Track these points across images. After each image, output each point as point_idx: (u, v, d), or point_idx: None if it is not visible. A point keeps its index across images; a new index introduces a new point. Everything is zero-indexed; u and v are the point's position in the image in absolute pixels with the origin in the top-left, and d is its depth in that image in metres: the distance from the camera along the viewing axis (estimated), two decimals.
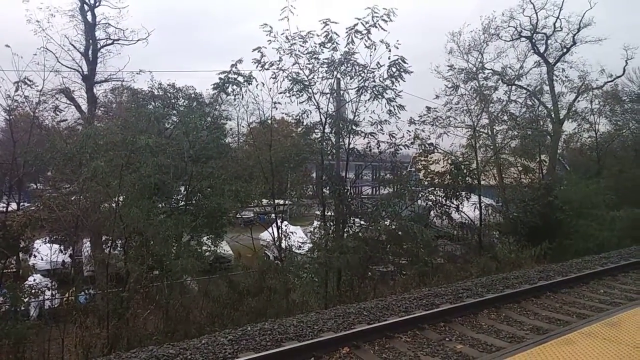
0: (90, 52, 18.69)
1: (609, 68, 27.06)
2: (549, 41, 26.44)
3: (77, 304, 10.87)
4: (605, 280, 10.85)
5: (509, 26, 26.28)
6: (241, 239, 16.40)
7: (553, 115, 25.91)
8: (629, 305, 6.59)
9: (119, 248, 11.35)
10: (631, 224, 19.74)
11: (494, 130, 22.39)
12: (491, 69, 25.12)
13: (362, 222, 14.75)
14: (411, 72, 13.31)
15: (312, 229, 15.17)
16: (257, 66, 12.92)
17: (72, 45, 18.31)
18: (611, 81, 27.51)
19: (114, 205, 11.47)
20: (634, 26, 51.14)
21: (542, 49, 26.48)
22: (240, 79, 13.16)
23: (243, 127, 24.35)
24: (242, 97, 13.61)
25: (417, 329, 7.23)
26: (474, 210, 18.47)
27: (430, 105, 19.25)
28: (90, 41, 18.69)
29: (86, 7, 18.69)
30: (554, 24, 26.04)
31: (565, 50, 26.39)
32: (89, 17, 18.75)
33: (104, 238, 12.46)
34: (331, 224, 14.17)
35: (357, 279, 13.28)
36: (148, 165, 12.28)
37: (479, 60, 25.46)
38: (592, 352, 4.65)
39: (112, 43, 19.41)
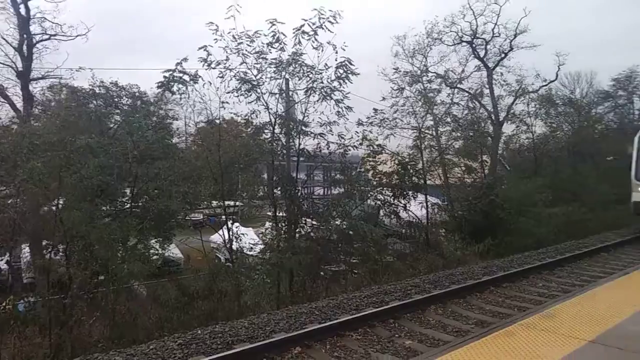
0: (24, 47, 17.65)
1: (543, 73, 28.72)
2: (488, 46, 27.70)
3: (16, 313, 10.27)
4: (543, 274, 11.48)
5: (450, 31, 27.30)
6: (191, 241, 16.08)
7: (493, 118, 27.15)
8: (564, 297, 7.00)
9: (60, 253, 10.83)
10: (566, 220, 21.01)
11: (439, 132, 23.15)
12: (435, 72, 26.03)
13: (314, 222, 14.85)
14: (358, 73, 13.59)
15: (263, 230, 15.08)
16: (203, 65, 12.76)
17: (4, 39, 17.25)
18: (545, 85, 29.21)
19: (53, 208, 10.92)
20: (565, 33, 54.57)
21: (482, 53, 27.72)
22: (186, 77, 12.93)
23: (190, 126, 23.91)
24: (189, 96, 13.39)
25: (368, 326, 7.37)
26: (421, 209, 19.01)
27: (378, 107, 19.70)
28: (25, 36, 17.65)
29: (19, 0, 17.64)
30: (493, 30, 27.32)
31: (503, 55, 27.76)
32: (22, 10, 17.72)
33: (44, 243, 11.85)
34: (283, 224, 14.16)
35: (309, 279, 13.34)
36: (89, 166, 11.78)
37: (423, 63, 26.28)
38: (530, 342, 4.92)
39: (48, 38, 18.36)
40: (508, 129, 29.46)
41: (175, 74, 12.76)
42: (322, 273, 14.31)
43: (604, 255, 13.76)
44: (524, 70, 29.64)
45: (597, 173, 26.50)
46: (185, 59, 12.81)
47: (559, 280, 10.89)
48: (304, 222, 14.61)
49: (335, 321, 7.28)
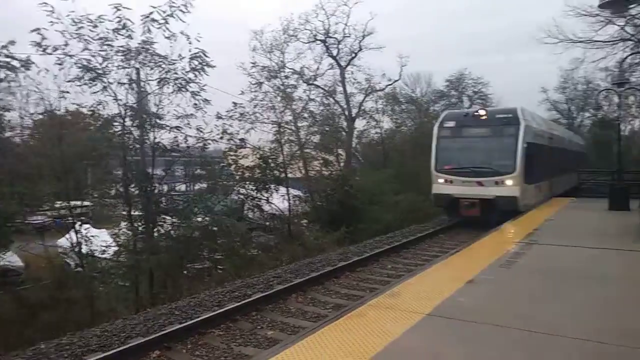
0: None
1: (389, 73, 31.45)
2: (340, 46, 29.52)
3: None
4: (392, 256, 12.64)
5: (305, 29, 28.38)
6: (33, 247, 14.33)
7: (346, 114, 28.97)
8: (407, 276, 7.84)
9: None
10: (411, 207, 23.31)
11: (298, 127, 23.97)
12: (292, 69, 26.83)
13: (174, 220, 14.33)
14: (214, 66, 13.50)
15: (116, 231, 14.10)
16: (37, 50, 11.48)
17: None
18: (390, 84, 32.04)
19: None
20: (412, 38, 60.54)
21: (335, 52, 29.39)
22: (16, 63, 11.51)
23: (26, 118, 21.12)
24: (20, 84, 11.95)
25: (230, 321, 7.42)
26: (283, 201, 19.52)
27: (238, 101, 19.68)
28: None
29: None
30: (344, 30, 29.16)
31: (353, 55, 29.86)
32: None
33: None
34: (139, 224, 13.42)
35: (171, 279, 12.87)
36: None
37: (280, 59, 26.92)
38: (378, 320, 5.46)
39: None
40: (360, 124, 31.70)
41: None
42: (185, 272, 13.91)
43: (442, 237, 15.63)
44: (372, 70, 32.24)
45: None
46: (12, 42, 11.41)
47: (405, 261, 12.10)
48: (162, 220, 14.03)
49: (196, 319, 7.19)
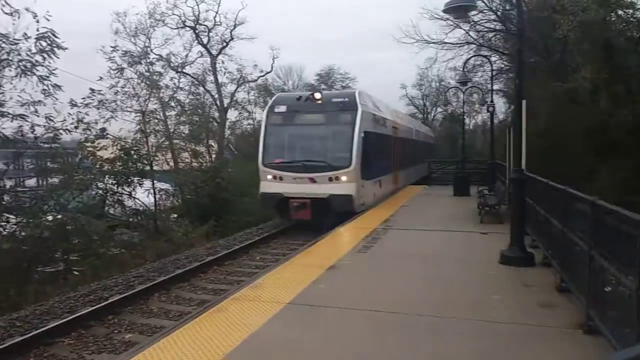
0: None
1: (262, 65, 31.52)
2: (210, 34, 28.75)
3: None
4: (261, 248, 12.75)
5: (173, 14, 27.14)
6: None
7: (218, 104, 28.38)
8: (271, 267, 8.02)
9: None
10: None
11: (166, 116, 22.83)
12: (159, 55, 25.47)
13: (20, 219, 12.78)
14: (65, 48, 12.36)
15: None
16: None
17: None
18: (263, 76, 32.11)
19: None
20: (279, 29, 61.04)
21: (205, 40, 28.56)
22: None
23: None
24: None
25: (83, 327, 6.88)
26: (148, 195, 18.51)
27: (96, 87, 18.11)
28: None
29: None
30: (214, 18, 28.44)
31: (225, 44, 29.27)
32: None
33: None
34: None
35: (15, 286, 11.45)
36: None
37: (146, 44, 25.38)
38: (239, 313, 5.51)
39: None
40: (232, 115, 31.31)
41: None
42: (36, 276, 12.50)
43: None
44: (244, 60, 31.91)
45: None
46: None
47: (274, 252, 12.31)
48: (5, 219, 12.45)
49: (41, 330, 6.53)
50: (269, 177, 14.21)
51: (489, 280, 6.70)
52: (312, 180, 13.50)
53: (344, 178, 13.28)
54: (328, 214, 12.94)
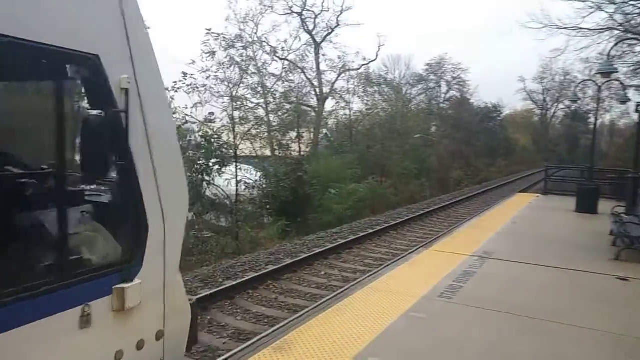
0: None
1: (367, 53, 29.84)
2: (317, 20, 27.70)
3: None
4: (330, 259, 11.07)
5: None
6: None
7: (318, 92, 27.20)
8: (334, 300, 6.30)
9: None
10: (371, 194, 21.83)
11: (267, 103, 22.33)
12: (266, 42, 25.17)
13: None
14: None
15: None
16: None
17: None
18: (366, 64, 30.23)
19: None
20: (386, 18, 58.28)
21: (311, 27, 27.63)
22: None
23: None
24: None
25: None
26: (228, 185, 17.76)
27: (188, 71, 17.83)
28: None
29: None
30: (322, 3, 27.52)
31: (330, 30, 28.03)
32: None
33: None
34: None
35: None
36: None
37: (254, 31, 25.25)
38: None
39: None
40: (329, 104, 29.95)
41: None
42: None
43: (392, 234, 14.17)
44: (348, 48, 30.40)
45: (402, 150, 28.47)
46: None
47: (344, 265, 10.59)
48: None
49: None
50: None
51: None
52: None
53: None
54: None
